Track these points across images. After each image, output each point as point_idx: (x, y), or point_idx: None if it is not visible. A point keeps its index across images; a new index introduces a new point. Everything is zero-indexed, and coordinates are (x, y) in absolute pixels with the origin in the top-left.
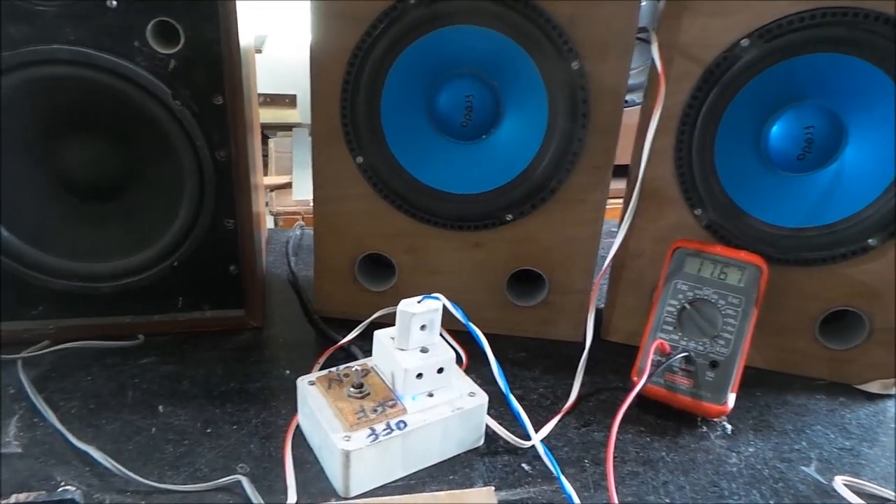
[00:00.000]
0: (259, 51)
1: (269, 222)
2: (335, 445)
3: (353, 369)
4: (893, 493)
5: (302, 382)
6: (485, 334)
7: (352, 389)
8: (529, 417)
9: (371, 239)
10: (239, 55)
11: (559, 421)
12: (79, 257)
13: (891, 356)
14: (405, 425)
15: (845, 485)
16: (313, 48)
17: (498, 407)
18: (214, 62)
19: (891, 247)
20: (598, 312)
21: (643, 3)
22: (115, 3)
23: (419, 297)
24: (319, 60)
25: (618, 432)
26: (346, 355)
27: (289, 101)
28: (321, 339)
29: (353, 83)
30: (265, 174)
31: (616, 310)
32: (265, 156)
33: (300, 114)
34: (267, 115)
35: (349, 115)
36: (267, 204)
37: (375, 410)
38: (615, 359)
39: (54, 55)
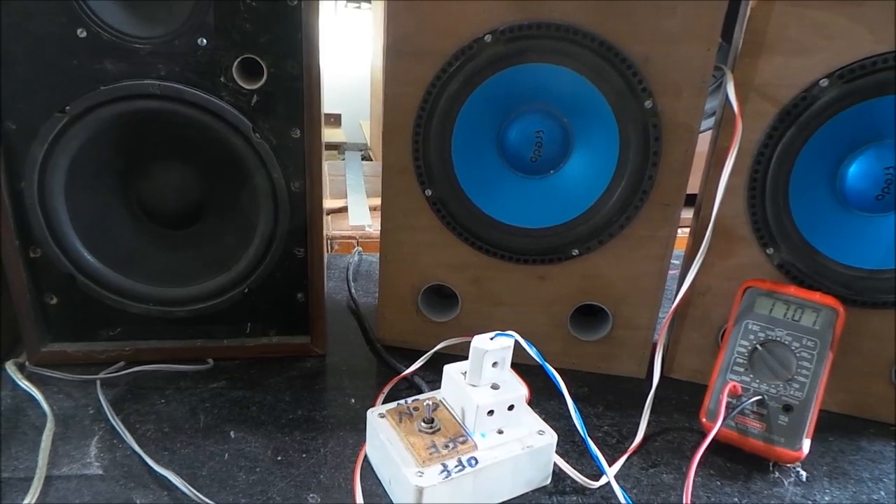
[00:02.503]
0: None
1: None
2: (408, 480)
3: (424, 403)
4: None
5: (372, 415)
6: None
7: (423, 424)
8: (603, 458)
9: (436, 269)
10: (319, 90)
11: (626, 461)
12: (157, 282)
13: None
14: (476, 462)
15: None
16: (387, 80)
17: (563, 444)
18: (294, 97)
19: None
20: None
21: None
22: (204, 41)
23: (492, 334)
24: (394, 94)
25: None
26: (409, 385)
27: (334, 120)
28: (383, 367)
29: (427, 118)
30: None
31: (680, 347)
32: None
33: (344, 133)
34: None
35: (420, 149)
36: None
37: (447, 446)
38: (679, 396)
39: (146, 90)
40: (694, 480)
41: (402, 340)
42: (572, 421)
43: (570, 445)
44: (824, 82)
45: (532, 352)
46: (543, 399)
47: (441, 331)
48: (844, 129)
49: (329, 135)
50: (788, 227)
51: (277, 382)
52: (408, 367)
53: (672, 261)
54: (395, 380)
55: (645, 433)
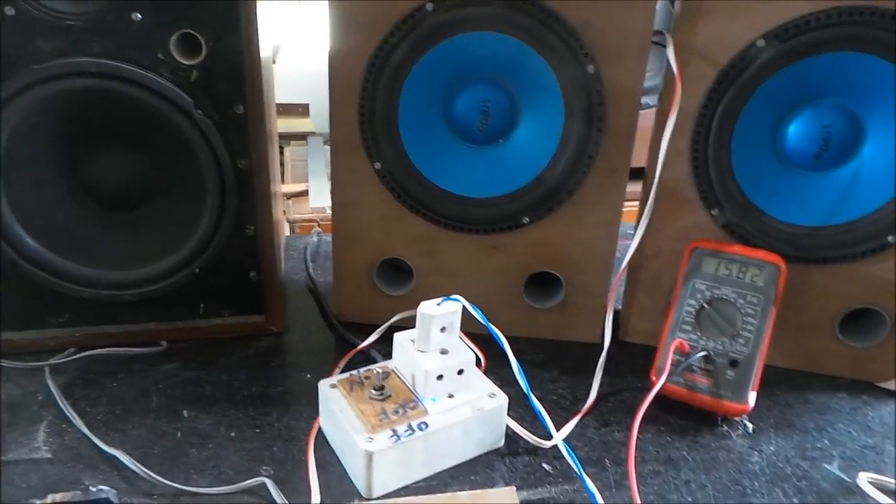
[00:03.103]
0: (273, 61)
1: (286, 230)
2: (358, 446)
3: (374, 372)
4: None
5: (324, 385)
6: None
7: (373, 392)
8: (549, 418)
9: (389, 244)
10: (259, 64)
11: (579, 421)
12: (104, 266)
13: None
14: (426, 426)
15: (870, 482)
16: (331, 56)
17: (518, 408)
18: (236, 72)
19: None
20: (616, 314)
21: (658, 6)
22: (139, 16)
23: (439, 300)
24: (337, 68)
25: (638, 432)
26: (366, 359)
27: (302, 110)
28: (341, 343)
29: (371, 90)
30: (282, 182)
31: (633, 311)
32: (281, 165)
33: (314, 123)
34: (281, 124)
35: (367, 122)
36: (284, 212)
37: (397, 412)
38: (633, 359)
39: (81, 68)
40: (639, 437)
41: (360, 316)
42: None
43: (523, 409)
44: (761, 43)
45: (478, 315)
46: (499, 366)
47: (397, 304)
48: (783, 89)
49: (297, 125)
50: (732, 187)
51: (232, 362)
52: (364, 341)
53: (629, 231)
54: (351, 353)
55: (598, 394)
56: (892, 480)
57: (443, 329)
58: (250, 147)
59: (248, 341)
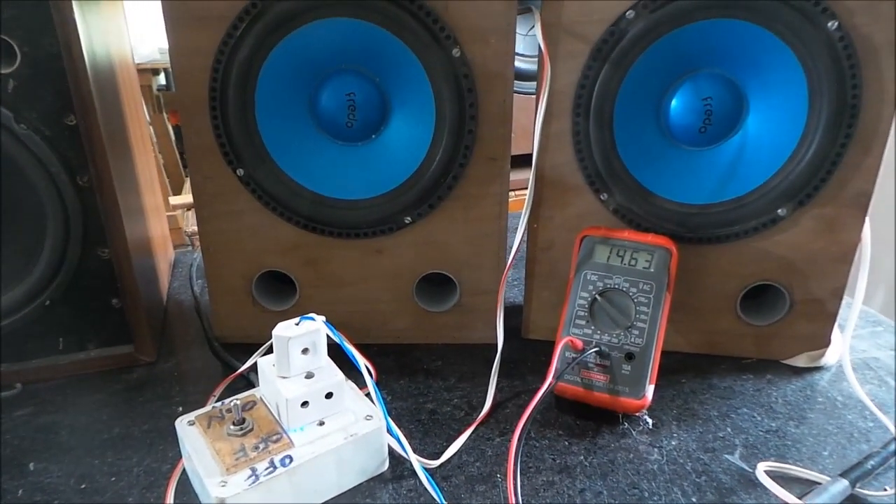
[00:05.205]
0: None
1: (186, 242)
2: (209, 492)
3: (233, 404)
4: (817, 475)
5: (181, 423)
6: (399, 345)
7: (231, 427)
8: (441, 433)
9: (265, 255)
10: (85, 68)
11: (473, 433)
12: None
13: (814, 328)
14: (290, 460)
15: (767, 472)
16: (172, 55)
17: (408, 424)
18: (60, 79)
19: (801, 216)
20: (518, 310)
21: None
22: None
23: (297, 319)
24: (181, 68)
25: (535, 438)
26: (248, 384)
27: None
28: (226, 368)
29: (221, 90)
30: (181, 192)
31: (533, 306)
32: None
33: None
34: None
35: (222, 126)
36: (181, 226)
37: (257, 448)
38: (536, 357)
39: None
40: (535, 444)
41: (243, 335)
42: (422, 398)
43: (415, 424)
44: (630, 14)
45: (332, 334)
46: (393, 379)
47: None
48: (659, 63)
49: None
50: (618, 169)
51: (96, 400)
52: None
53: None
54: (228, 380)
55: (494, 401)
56: (792, 467)
57: (305, 350)
58: (88, 161)
59: (118, 375)
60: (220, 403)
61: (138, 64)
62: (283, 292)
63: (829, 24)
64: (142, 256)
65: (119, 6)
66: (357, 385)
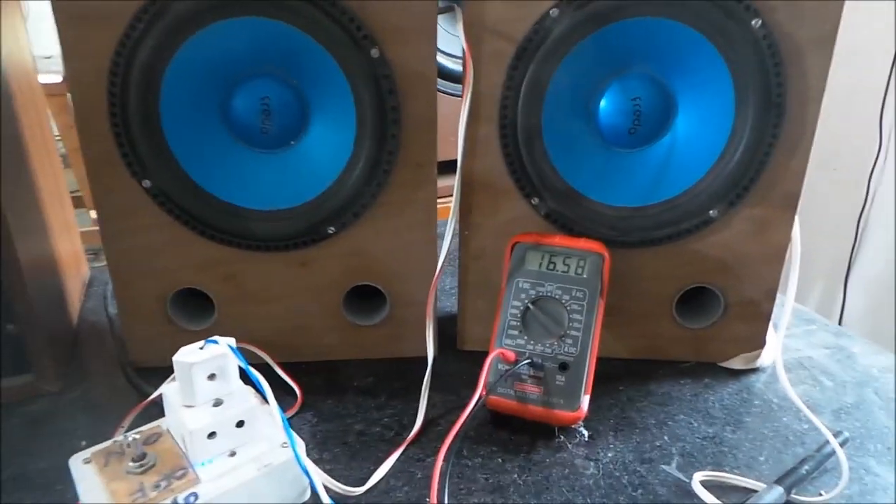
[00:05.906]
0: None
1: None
2: None
3: (132, 438)
4: (753, 483)
5: (75, 462)
6: (329, 361)
7: (130, 464)
8: (369, 455)
9: (178, 273)
10: None
11: (402, 454)
12: None
13: (749, 329)
14: (196, 498)
15: (703, 482)
16: (66, 59)
17: (333, 448)
18: None
19: (732, 217)
20: (455, 320)
21: None
22: None
23: (201, 343)
24: (76, 73)
25: (467, 457)
26: (162, 413)
27: None
28: (141, 397)
29: (121, 95)
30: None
31: (467, 317)
32: None
33: None
34: None
35: (123, 134)
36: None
37: (158, 486)
38: (472, 370)
39: None
40: (467, 464)
41: (161, 359)
42: (350, 419)
43: (341, 448)
44: (555, 12)
45: (239, 358)
46: (320, 399)
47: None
48: (587, 62)
49: None
50: (549, 173)
51: None
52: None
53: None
54: (136, 410)
55: (425, 419)
56: (728, 475)
57: (212, 376)
58: None
59: (17, 408)
60: (123, 437)
61: (58, 72)
62: (204, 309)
63: (753, 21)
64: (44, 276)
65: (14, 6)
66: (283, 407)
